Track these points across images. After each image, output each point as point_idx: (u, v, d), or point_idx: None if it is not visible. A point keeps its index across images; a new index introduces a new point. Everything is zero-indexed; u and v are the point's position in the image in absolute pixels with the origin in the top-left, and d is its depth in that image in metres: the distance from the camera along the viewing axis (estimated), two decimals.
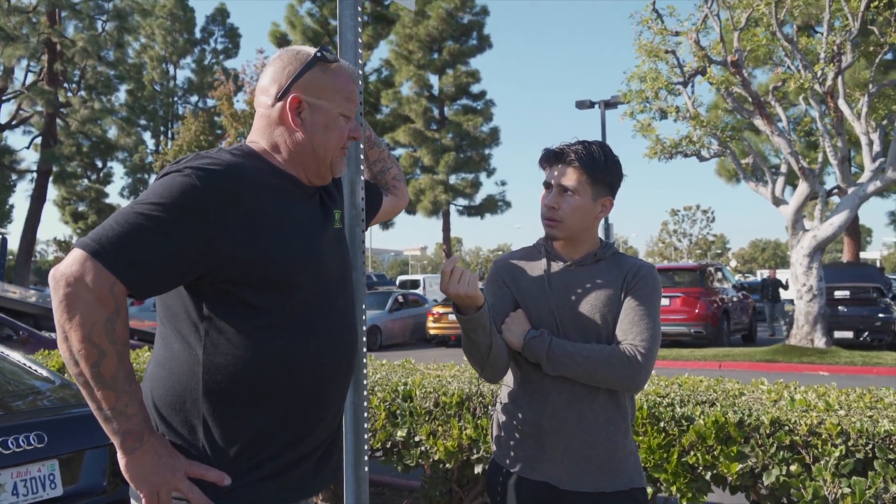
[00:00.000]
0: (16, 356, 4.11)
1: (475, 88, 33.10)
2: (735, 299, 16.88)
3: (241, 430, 1.48)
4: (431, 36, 31.49)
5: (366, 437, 2.03)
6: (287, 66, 1.62)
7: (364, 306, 2.01)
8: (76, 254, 1.37)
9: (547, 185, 1.99)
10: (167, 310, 1.54)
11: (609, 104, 21.80)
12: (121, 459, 1.44)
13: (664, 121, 15.56)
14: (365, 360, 2.04)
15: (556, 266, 2.02)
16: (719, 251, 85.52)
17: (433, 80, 32.95)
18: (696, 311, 15.13)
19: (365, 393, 2.00)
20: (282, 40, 32.08)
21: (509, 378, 2.05)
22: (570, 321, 1.96)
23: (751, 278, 50.94)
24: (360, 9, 2.19)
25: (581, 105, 22.53)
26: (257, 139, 1.65)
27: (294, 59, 1.62)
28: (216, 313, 1.48)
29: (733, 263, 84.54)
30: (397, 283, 33.86)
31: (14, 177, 22.47)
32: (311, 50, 1.63)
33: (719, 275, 17.34)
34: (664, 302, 15.38)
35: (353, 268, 2.03)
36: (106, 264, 1.36)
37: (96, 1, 22.56)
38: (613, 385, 1.91)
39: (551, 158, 1.99)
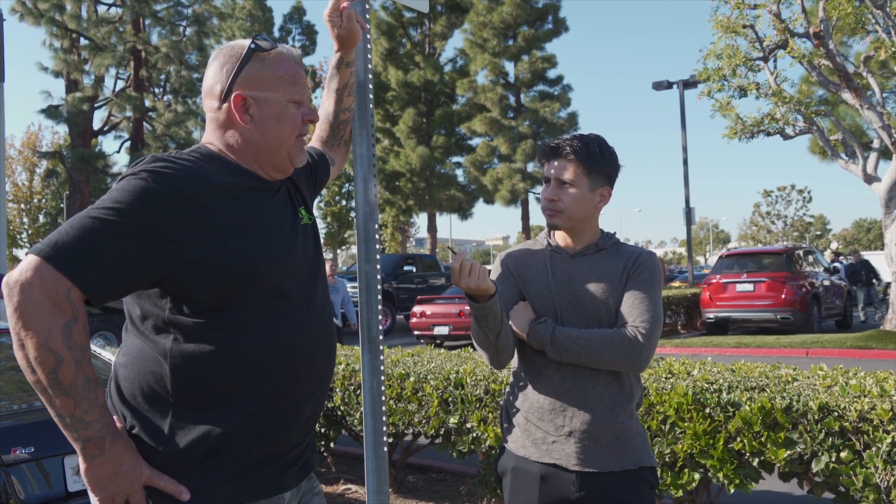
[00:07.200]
0: (106, 354, 4.31)
1: (552, 74, 32.57)
2: (827, 283, 16.13)
3: (207, 430, 1.46)
4: (506, 22, 31.19)
5: (384, 419, 2.10)
6: (224, 64, 1.58)
7: (379, 297, 2.07)
8: (31, 260, 1.34)
9: (546, 179, 2.08)
10: (132, 312, 1.53)
11: (688, 84, 21.12)
12: (81, 465, 1.41)
13: (744, 99, 14.93)
14: (382, 348, 2.11)
15: (559, 257, 2.10)
16: (819, 233, 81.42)
17: (509, 67, 32.65)
18: (783, 296, 14.56)
19: (382, 378, 2.07)
20: None
21: (516, 366, 2.13)
22: (571, 310, 2.04)
23: (851, 260, 48.05)
24: (367, 13, 2.26)
25: (658, 86, 21.95)
26: (212, 140, 1.63)
27: (230, 56, 1.59)
28: (179, 316, 1.46)
29: (834, 245, 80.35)
30: None
31: (109, 180, 23.68)
32: (246, 42, 1.59)
33: (810, 258, 16.58)
34: (748, 287, 14.91)
35: (367, 260, 2.09)
36: (61, 269, 1.33)
37: (176, 7, 23.47)
38: (617, 366, 1.98)
39: (548, 154, 2.08)
